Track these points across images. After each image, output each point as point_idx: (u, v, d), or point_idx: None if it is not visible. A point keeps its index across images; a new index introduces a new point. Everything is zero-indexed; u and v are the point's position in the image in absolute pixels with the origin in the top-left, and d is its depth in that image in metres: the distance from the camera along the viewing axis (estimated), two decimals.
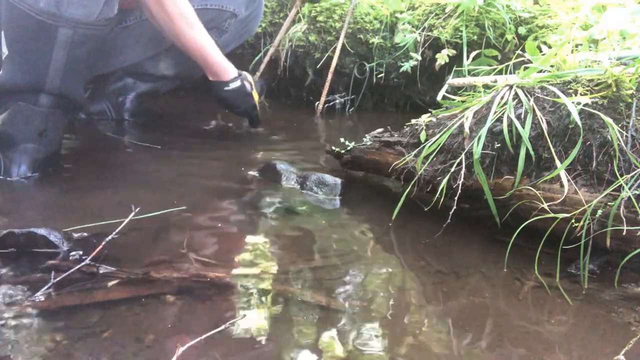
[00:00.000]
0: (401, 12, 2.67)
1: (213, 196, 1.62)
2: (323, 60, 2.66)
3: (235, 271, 1.20)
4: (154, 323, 1.00)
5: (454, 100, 1.57)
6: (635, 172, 1.16)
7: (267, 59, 2.65)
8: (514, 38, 2.47)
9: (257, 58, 2.74)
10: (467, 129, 1.36)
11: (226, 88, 2.05)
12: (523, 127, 1.27)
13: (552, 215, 1.20)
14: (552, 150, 1.24)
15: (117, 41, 2.04)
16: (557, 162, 1.22)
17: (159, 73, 2.31)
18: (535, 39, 2.36)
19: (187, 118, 2.50)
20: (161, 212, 1.41)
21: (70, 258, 1.20)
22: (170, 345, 0.92)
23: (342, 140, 1.81)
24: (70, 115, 1.83)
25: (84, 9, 1.54)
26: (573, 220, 1.18)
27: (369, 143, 1.70)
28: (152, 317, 1.02)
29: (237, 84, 2.06)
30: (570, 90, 1.30)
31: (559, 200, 1.21)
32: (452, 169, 1.36)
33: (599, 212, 1.16)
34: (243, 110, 2.15)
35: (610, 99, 1.26)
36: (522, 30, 2.49)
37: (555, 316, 1.09)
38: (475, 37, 2.52)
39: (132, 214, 1.28)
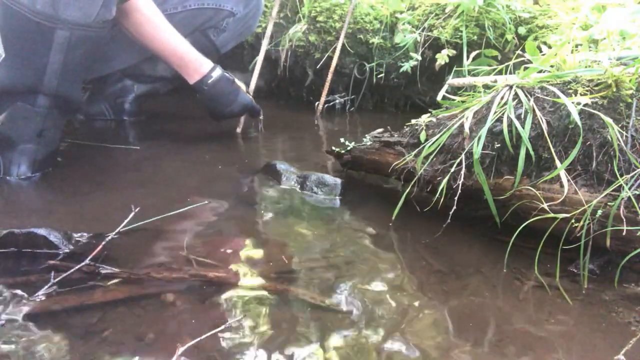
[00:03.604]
0: (401, 12, 2.67)
1: (213, 196, 1.62)
2: (323, 60, 2.66)
3: (235, 271, 1.20)
4: (154, 323, 1.00)
5: (454, 100, 1.58)
6: (635, 172, 1.16)
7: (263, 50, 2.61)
8: (514, 38, 2.47)
9: (257, 58, 2.74)
10: (467, 129, 1.36)
11: (210, 81, 2.00)
12: (523, 127, 1.27)
13: (552, 215, 1.20)
14: (552, 150, 1.24)
15: (114, 43, 2.04)
16: (557, 162, 1.22)
17: (157, 74, 2.31)
18: (535, 39, 2.36)
19: (187, 119, 2.50)
20: (183, 209, 1.41)
21: (70, 258, 1.20)
22: (170, 345, 0.92)
23: (342, 140, 1.81)
24: (68, 116, 1.83)
25: (81, 11, 1.53)
26: (573, 220, 1.18)
27: (369, 143, 1.70)
28: (152, 317, 1.02)
29: (218, 72, 2.02)
30: (570, 91, 1.30)
31: (559, 201, 1.21)
32: (452, 169, 1.36)
33: (599, 212, 1.16)
34: (237, 104, 2.07)
35: (610, 99, 1.26)
36: (522, 30, 2.49)
37: (555, 316, 1.09)
38: (475, 37, 2.52)
39: (132, 214, 1.28)
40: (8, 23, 1.56)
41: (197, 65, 2.00)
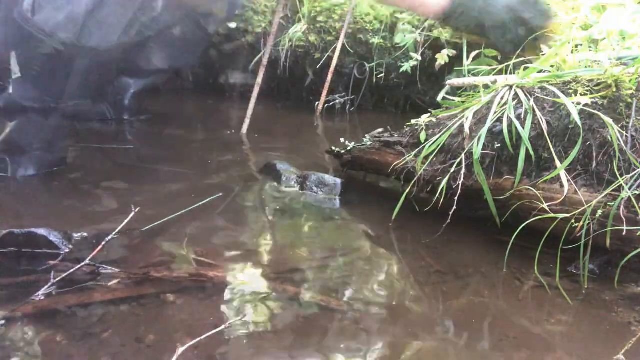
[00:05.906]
0: (401, 12, 2.67)
1: (213, 196, 1.62)
2: (323, 60, 2.66)
3: (235, 271, 1.20)
4: (154, 323, 1.00)
5: (454, 100, 1.57)
6: (635, 172, 1.16)
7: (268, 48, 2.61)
8: None
9: (257, 58, 2.74)
10: (467, 129, 1.36)
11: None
12: (523, 127, 1.27)
13: (552, 215, 1.20)
14: (552, 150, 1.24)
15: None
16: (557, 162, 1.22)
17: (153, 67, 2.31)
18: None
19: (187, 118, 2.50)
20: (185, 210, 1.41)
21: (70, 258, 1.20)
22: (170, 345, 0.92)
23: (342, 140, 1.81)
24: (77, 123, 1.86)
25: (103, 38, 1.56)
26: (573, 221, 1.18)
27: (369, 143, 1.70)
28: (152, 317, 1.02)
29: None
30: (570, 91, 1.30)
31: (558, 201, 1.21)
32: (452, 169, 1.36)
33: (599, 212, 1.16)
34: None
35: (610, 99, 1.25)
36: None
37: (555, 316, 1.09)
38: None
39: (132, 214, 1.28)
40: (28, 48, 1.56)
41: None
